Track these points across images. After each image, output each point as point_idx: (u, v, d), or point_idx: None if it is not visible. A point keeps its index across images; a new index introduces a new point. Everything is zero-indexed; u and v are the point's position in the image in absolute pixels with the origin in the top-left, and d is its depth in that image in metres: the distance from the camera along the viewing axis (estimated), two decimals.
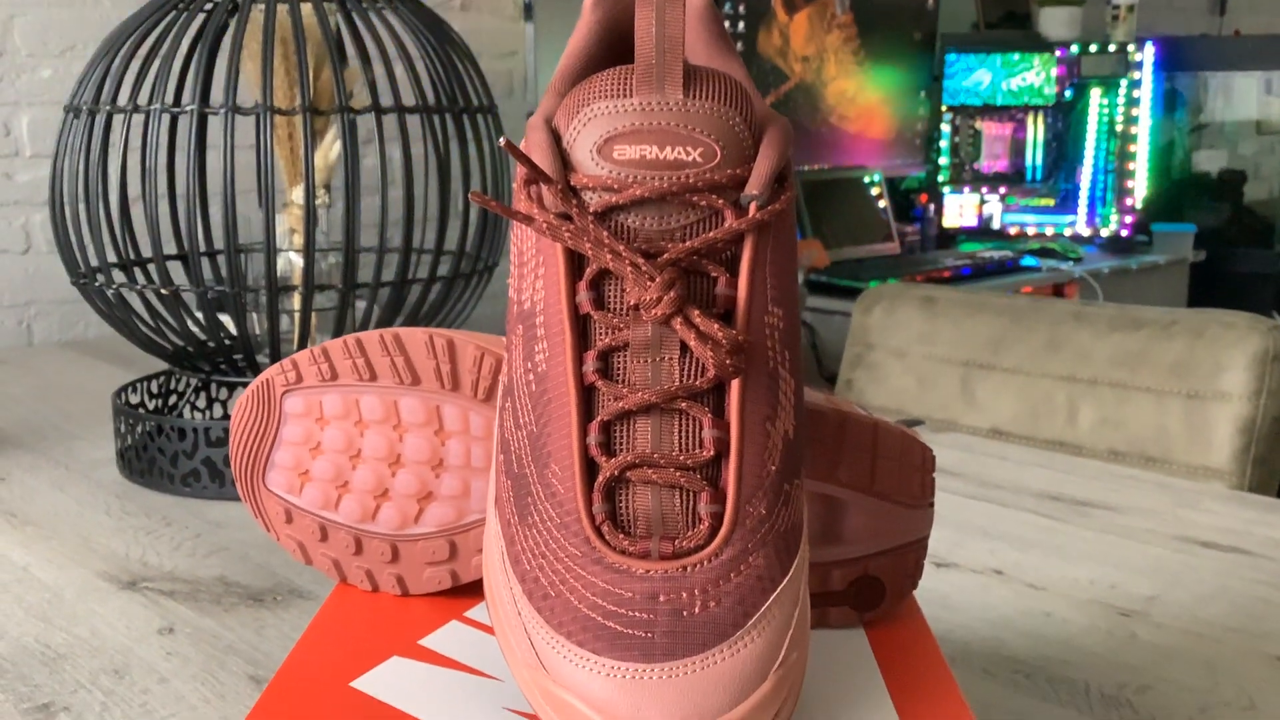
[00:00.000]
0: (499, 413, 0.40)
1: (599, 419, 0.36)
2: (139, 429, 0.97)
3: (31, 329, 1.77)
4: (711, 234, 0.36)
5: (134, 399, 1.04)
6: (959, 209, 2.99)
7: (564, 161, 0.37)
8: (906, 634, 0.46)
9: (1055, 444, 1.15)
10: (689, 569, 0.35)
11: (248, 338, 0.93)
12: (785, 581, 0.36)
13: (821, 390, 1.27)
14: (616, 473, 0.36)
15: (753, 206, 0.37)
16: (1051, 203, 3.02)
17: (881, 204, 2.66)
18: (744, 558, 0.35)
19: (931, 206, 2.90)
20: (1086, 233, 2.97)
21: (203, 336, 0.95)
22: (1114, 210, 2.97)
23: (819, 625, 0.46)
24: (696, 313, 0.36)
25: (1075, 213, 3.01)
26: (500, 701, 0.39)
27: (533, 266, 0.38)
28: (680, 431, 0.36)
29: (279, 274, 0.92)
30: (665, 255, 0.36)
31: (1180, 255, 2.82)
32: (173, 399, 1.07)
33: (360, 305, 1.01)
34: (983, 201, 3.00)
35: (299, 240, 1.00)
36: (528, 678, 0.35)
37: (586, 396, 0.37)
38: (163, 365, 1.34)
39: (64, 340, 1.78)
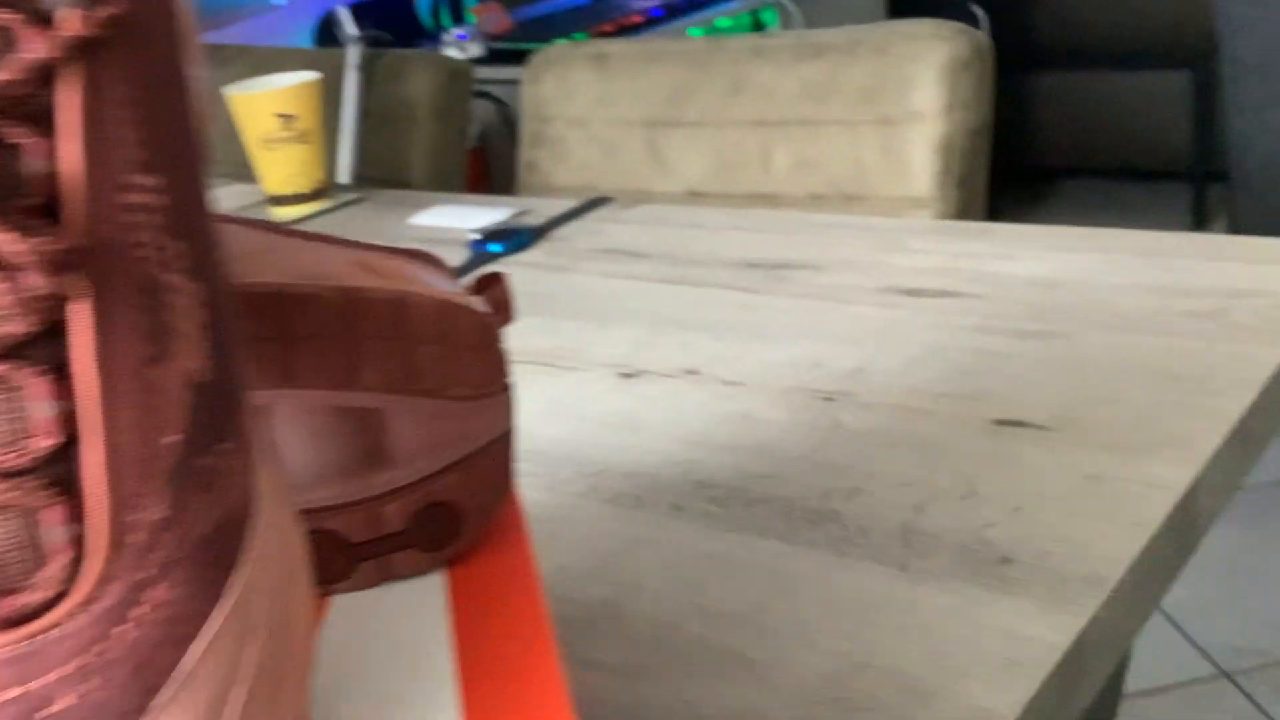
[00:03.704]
0: None
1: None
2: None
3: None
4: None
5: None
6: None
7: None
8: (500, 571, 0.35)
9: (753, 196, 1.05)
10: (40, 642, 0.21)
11: None
12: (224, 609, 0.23)
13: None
14: None
15: (71, 15, 0.22)
16: None
17: None
18: (136, 597, 0.22)
19: None
20: None
21: None
22: None
23: (384, 579, 0.34)
24: None
25: None
26: None
27: None
28: None
29: None
30: None
31: None
32: None
33: None
34: None
35: None
36: None
37: None
38: None
39: None
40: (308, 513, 0.32)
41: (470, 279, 0.35)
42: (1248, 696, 1.45)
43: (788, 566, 0.50)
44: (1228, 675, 1.49)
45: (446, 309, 0.34)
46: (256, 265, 0.29)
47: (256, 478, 0.24)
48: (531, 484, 0.60)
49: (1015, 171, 3.07)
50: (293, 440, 0.31)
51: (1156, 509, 0.50)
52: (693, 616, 0.48)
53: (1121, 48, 2.82)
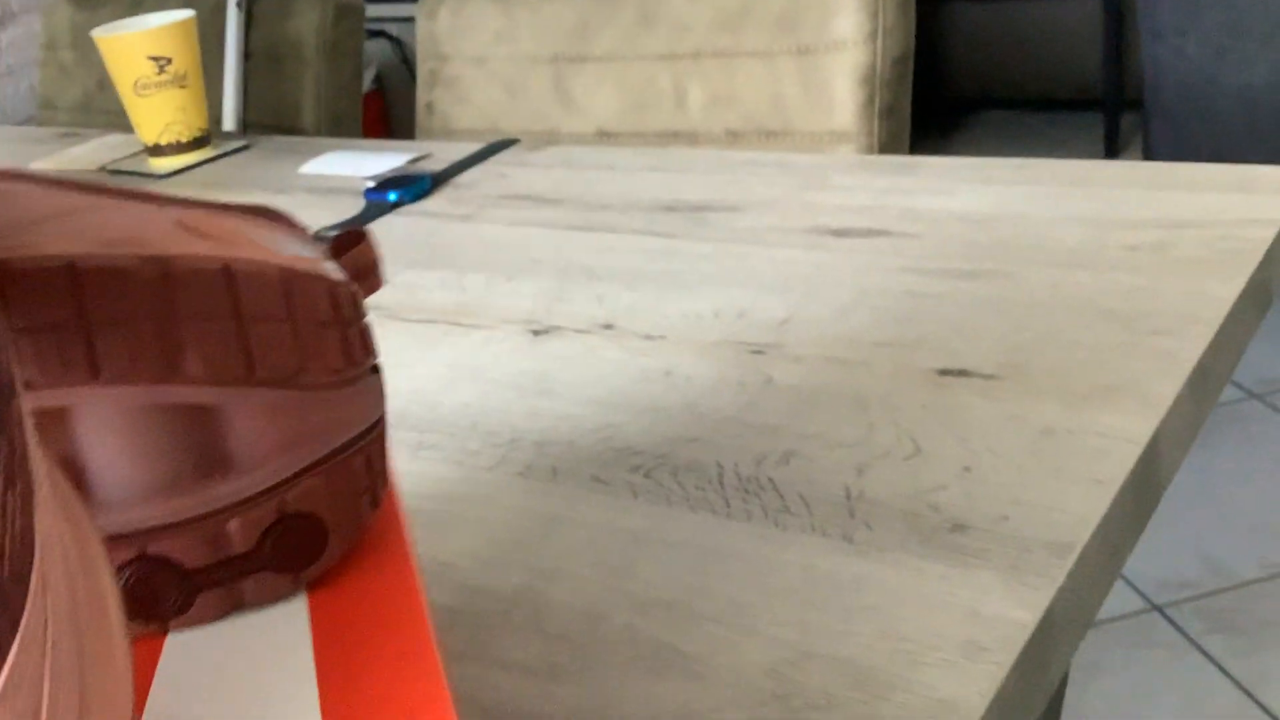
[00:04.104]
0: None
1: None
2: None
3: None
4: None
5: None
6: None
7: None
8: (374, 593, 0.29)
9: (667, 135, 0.99)
10: None
11: None
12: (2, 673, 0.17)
13: None
14: None
15: None
16: None
17: None
18: None
19: None
20: None
21: None
22: None
23: (232, 610, 0.28)
24: None
25: None
26: None
27: None
28: None
29: None
30: None
31: None
32: None
33: None
34: None
35: None
36: None
37: None
38: None
39: None
40: (130, 536, 0.26)
41: (329, 239, 0.27)
42: (1178, 628, 1.45)
43: (722, 543, 0.45)
44: (1158, 608, 1.48)
45: (291, 278, 0.27)
46: (48, 233, 0.23)
47: (32, 509, 0.19)
48: (435, 458, 0.54)
49: (927, 103, 3.04)
50: (104, 449, 0.25)
51: (1118, 465, 0.46)
52: (619, 605, 0.43)
53: None
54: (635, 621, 0.42)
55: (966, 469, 0.47)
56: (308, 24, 1.22)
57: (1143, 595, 1.51)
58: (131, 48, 1.00)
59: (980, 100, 3.09)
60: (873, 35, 0.88)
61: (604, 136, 1.02)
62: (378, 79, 1.88)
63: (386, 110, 1.86)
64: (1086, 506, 0.44)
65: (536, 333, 0.65)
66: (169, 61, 1.01)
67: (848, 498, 0.47)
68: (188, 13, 1.03)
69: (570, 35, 1.03)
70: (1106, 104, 2.77)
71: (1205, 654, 1.40)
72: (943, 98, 3.03)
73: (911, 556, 0.43)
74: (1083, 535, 0.42)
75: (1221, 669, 1.38)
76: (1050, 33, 2.81)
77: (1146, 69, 2.13)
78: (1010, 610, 0.40)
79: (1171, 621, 1.46)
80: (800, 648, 0.40)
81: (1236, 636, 1.42)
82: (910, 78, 0.89)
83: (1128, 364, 0.52)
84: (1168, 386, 0.50)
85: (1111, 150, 2.78)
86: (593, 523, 0.48)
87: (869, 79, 0.88)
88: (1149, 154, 2.20)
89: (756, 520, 0.46)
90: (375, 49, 1.86)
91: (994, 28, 2.87)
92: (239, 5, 1.22)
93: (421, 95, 1.11)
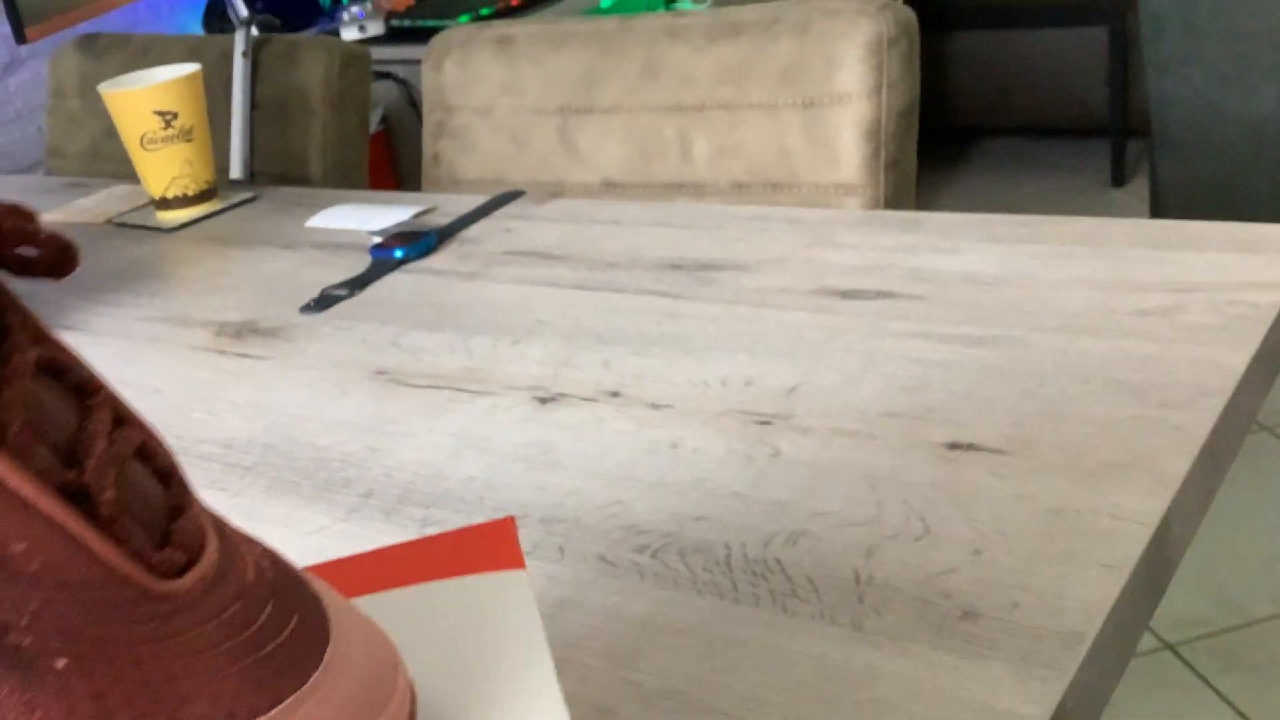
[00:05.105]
0: None
1: None
2: None
3: None
4: None
5: None
6: None
7: None
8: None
9: (673, 186, 0.99)
10: None
11: None
12: None
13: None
14: None
15: None
16: None
17: None
18: None
19: None
20: None
21: None
22: None
23: None
24: None
25: None
26: None
27: None
28: None
29: None
30: None
31: None
32: None
33: None
34: None
35: None
36: None
37: None
38: None
39: None
40: None
41: None
42: (1191, 668, 1.44)
43: (730, 630, 0.45)
44: (1170, 646, 1.48)
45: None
46: None
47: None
48: None
49: (933, 132, 3.04)
50: None
51: (1129, 547, 0.46)
52: (627, 698, 0.43)
53: (1037, 4, 2.79)
54: (644, 716, 0.42)
55: (976, 552, 0.47)
56: (314, 74, 1.22)
57: (1155, 634, 1.50)
58: (137, 103, 1.01)
59: (986, 128, 3.10)
60: (877, 89, 0.88)
61: (610, 187, 1.03)
62: (384, 120, 1.89)
63: (393, 151, 1.87)
64: (1098, 593, 0.44)
65: (542, 400, 0.65)
66: (175, 116, 1.02)
67: (857, 582, 0.46)
68: (193, 67, 1.03)
69: (575, 87, 1.03)
70: (1112, 132, 2.77)
71: (1218, 693, 1.39)
72: (949, 125, 3.04)
73: (922, 646, 0.43)
74: (1094, 624, 0.42)
75: (1235, 708, 1.37)
76: (1056, 61, 2.81)
77: (1152, 98, 2.13)
78: (1022, 705, 0.39)
79: (1184, 660, 1.45)
80: None
81: (1249, 675, 1.41)
82: (915, 130, 0.89)
83: (1138, 439, 0.52)
84: (1179, 464, 0.50)
85: (1118, 178, 2.78)
86: (599, 608, 0.47)
87: (874, 132, 0.89)
88: (1155, 183, 2.20)
89: (765, 605, 0.46)
90: (382, 90, 1.87)
91: (999, 56, 2.87)
92: (244, 54, 1.23)
93: (428, 146, 1.11)
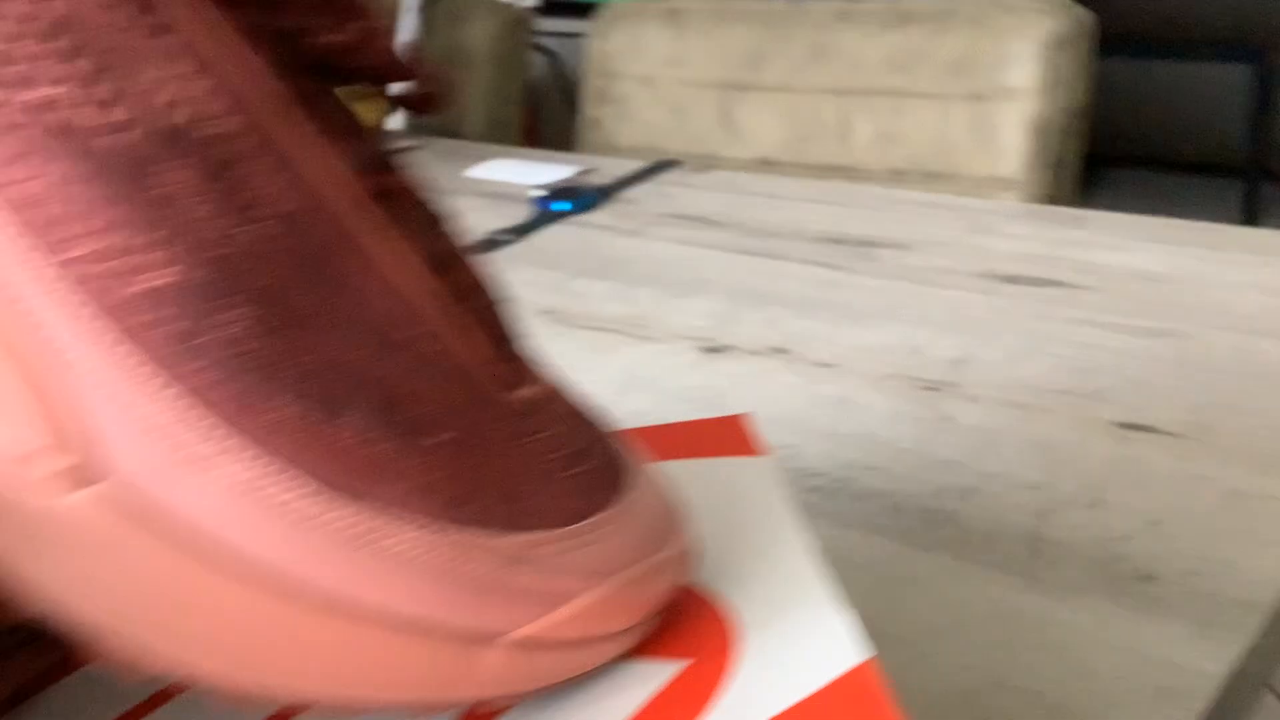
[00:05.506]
0: None
1: None
2: None
3: None
4: None
5: None
6: None
7: None
8: None
9: (829, 168, 1.00)
10: None
11: None
12: None
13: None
14: None
15: None
16: None
17: None
18: None
19: None
20: None
21: None
22: None
23: None
24: None
25: None
26: None
27: None
28: None
29: None
30: None
31: None
32: None
33: None
34: None
35: None
36: None
37: None
38: None
39: None
40: None
41: None
42: None
43: (903, 570, 0.47)
44: None
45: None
46: None
47: None
48: None
49: None
50: None
51: None
52: None
53: (1183, 36, 2.75)
54: None
55: (1153, 523, 0.48)
56: (481, 32, 1.26)
57: None
58: None
59: (1116, 157, 3.06)
60: (1049, 87, 0.88)
61: (765, 164, 1.04)
62: (529, 90, 1.93)
63: (536, 123, 1.91)
64: (1277, 567, 0.44)
65: (709, 350, 0.67)
66: None
67: (1030, 538, 0.48)
68: None
69: (740, 63, 1.05)
70: (1247, 172, 2.72)
71: None
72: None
73: (1099, 600, 0.44)
74: (1269, 595, 0.43)
75: None
76: (1195, 96, 2.77)
77: None
78: (1200, 661, 0.40)
79: None
80: (991, 676, 0.40)
81: None
82: (1083, 132, 0.90)
83: None
84: None
85: (1249, 219, 2.73)
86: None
87: (1042, 129, 0.89)
88: None
89: (937, 551, 0.47)
90: (531, 62, 1.90)
91: (1138, 85, 2.84)
92: (419, 9, 1.26)
93: (587, 110, 1.14)
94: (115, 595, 0.20)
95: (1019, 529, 0.48)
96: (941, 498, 0.51)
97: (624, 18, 1.12)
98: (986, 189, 0.93)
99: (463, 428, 0.21)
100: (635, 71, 1.11)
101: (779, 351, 0.66)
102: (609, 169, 1.01)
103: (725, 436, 0.34)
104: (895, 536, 0.49)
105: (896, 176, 0.97)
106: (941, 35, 0.94)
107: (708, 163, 1.08)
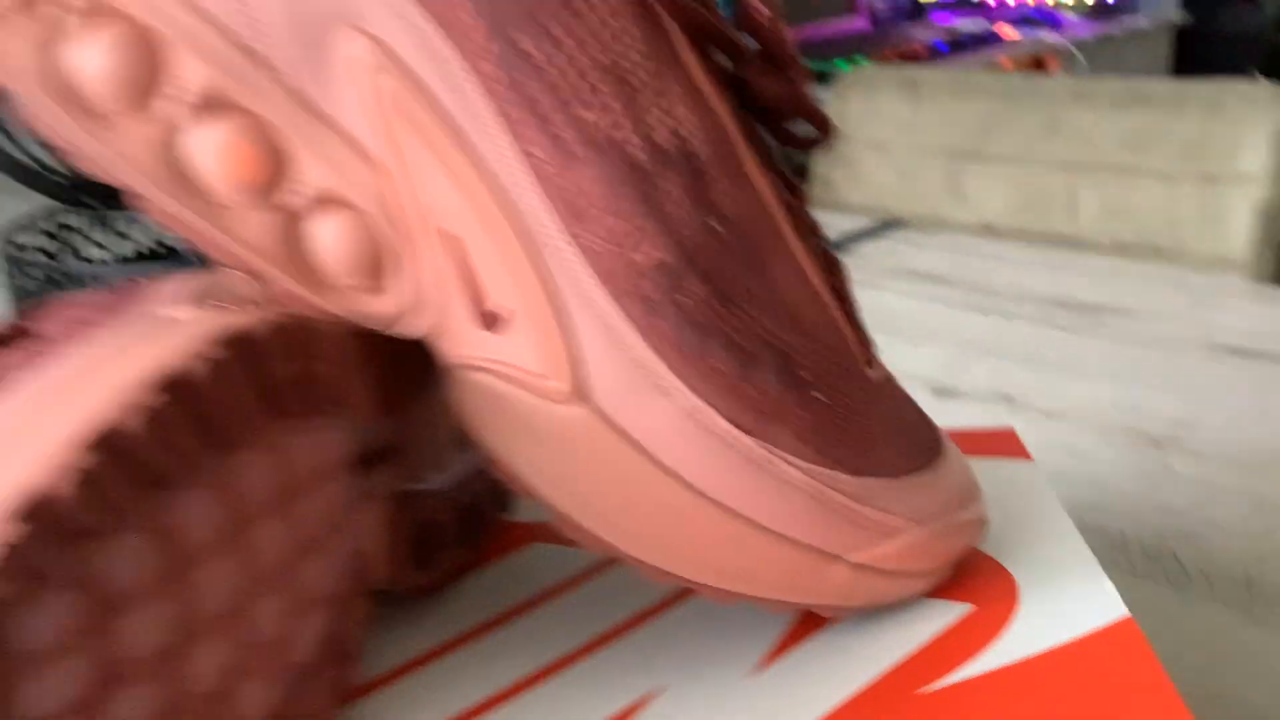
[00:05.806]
0: None
1: None
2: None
3: None
4: None
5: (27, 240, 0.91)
6: None
7: None
8: None
9: (1054, 238, 1.05)
10: None
11: None
12: None
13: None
14: None
15: None
16: None
17: None
18: None
19: None
20: None
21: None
22: None
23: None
24: None
25: None
26: None
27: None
28: None
29: None
30: None
31: (1164, 17, 2.66)
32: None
33: None
34: None
35: None
36: None
37: None
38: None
39: None
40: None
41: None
42: None
43: (1124, 597, 0.51)
44: None
45: None
46: None
47: None
48: None
49: None
50: None
51: None
52: None
53: None
54: None
55: None
56: None
57: None
58: None
59: None
60: (1277, 172, 0.91)
61: (989, 230, 1.09)
62: None
63: None
64: None
65: (939, 393, 0.72)
66: None
67: (1248, 581, 0.51)
68: None
69: (971, 132, 1.10)
70: None
71: None
72: None
73: None
74: None
75: None
76: None
77: None
78: None
79: None
80: (1206, 692, 0.45)
81: None
82: None
83: None
84: None
85: None
86: None
87: (1270, 214, 0.92)
88: None
89: (1157, 583, 0.52)
90: None
91: None
92: None
93: (818, 169, 1.21)
94: (579, 487, 0.27)
95: (1238, 572, 0.52)
96: (1163, 538, 0.55)
97: (861, 84, 1.18)
98: (1211, 268, 0.96)
99: (837, 392, 0.28)
100: (869, 135, 1.17)
101: (1006, 399, 0.71)
102: (837, 224, 1.07)
103: (998, 443, 0.40)
104: (1117, 567, 0.53)
105: (1121, 250, 1.00)
106: (1176, 118, 0.98)
107: (933, 225, 1.13)
